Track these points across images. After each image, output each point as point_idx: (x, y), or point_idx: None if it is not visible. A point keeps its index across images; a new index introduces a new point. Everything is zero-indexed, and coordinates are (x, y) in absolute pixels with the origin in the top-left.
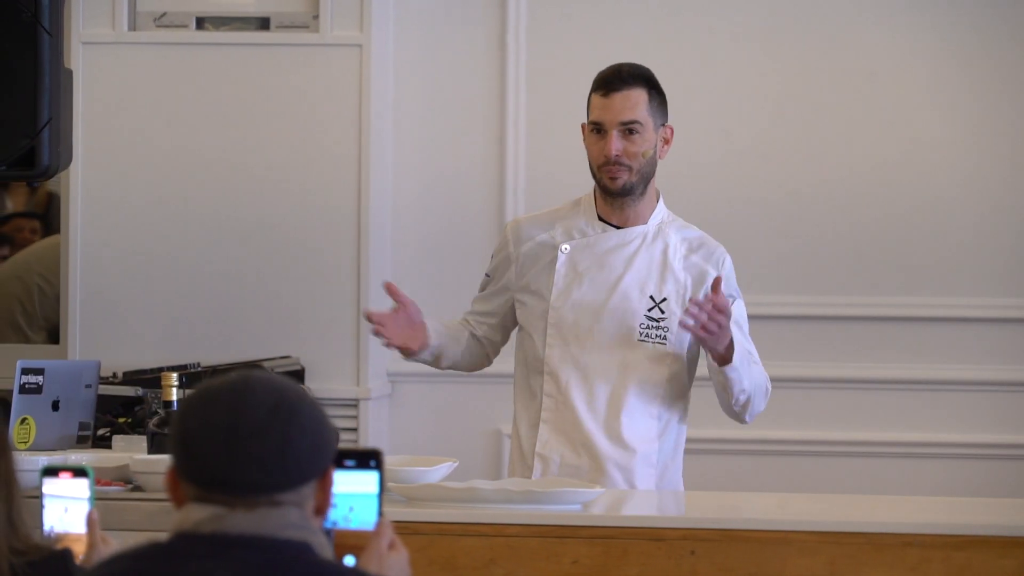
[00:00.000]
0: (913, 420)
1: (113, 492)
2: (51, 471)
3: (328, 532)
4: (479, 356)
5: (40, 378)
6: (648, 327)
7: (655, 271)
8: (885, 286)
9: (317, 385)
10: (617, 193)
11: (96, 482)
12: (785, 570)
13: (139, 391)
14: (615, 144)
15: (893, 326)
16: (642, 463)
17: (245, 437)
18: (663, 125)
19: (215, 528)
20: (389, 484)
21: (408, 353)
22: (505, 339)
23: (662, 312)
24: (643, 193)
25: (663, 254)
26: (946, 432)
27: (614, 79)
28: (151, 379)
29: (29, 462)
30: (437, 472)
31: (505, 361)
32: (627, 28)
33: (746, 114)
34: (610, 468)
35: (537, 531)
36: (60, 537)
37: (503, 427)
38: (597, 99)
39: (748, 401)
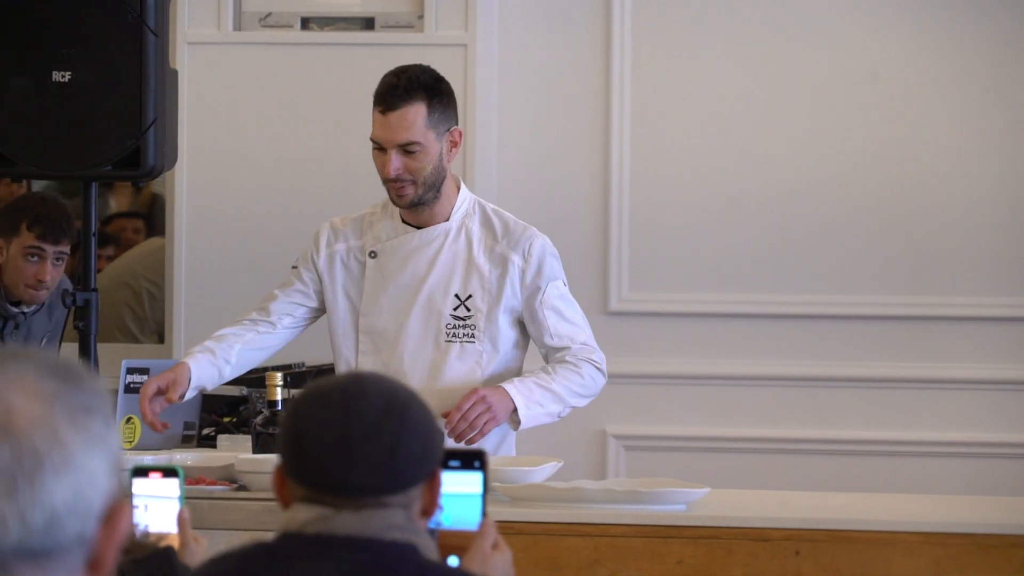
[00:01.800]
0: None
1: (218, 492)
2: (141, 471)
3: (432, 533)
4: (261, 352)
5: (145, 377)
6: (455, 326)
7: (459, 268)
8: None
9: None
10: (407, 207)
11: (201, 482)
12: (891, 571)
13: (244, 390)
14: (394, 163)
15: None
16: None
17: (357, 440)
18: (448, 131)
19: (320, 529)
20: (493, 484)
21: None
22: (291, 339)
23: (468, 310)
24: (437, 197)
25: (467, 249)
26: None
27: (390, 95)
28: (256, 379)
29: (133, 461)
30: (542, 472)
31: (616, 362)
32: (732, 23)
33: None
34: None
35: (642, 531)
36: (158, 536)
37: (608, 427)
38: (377, 115)
39: (571, 409)
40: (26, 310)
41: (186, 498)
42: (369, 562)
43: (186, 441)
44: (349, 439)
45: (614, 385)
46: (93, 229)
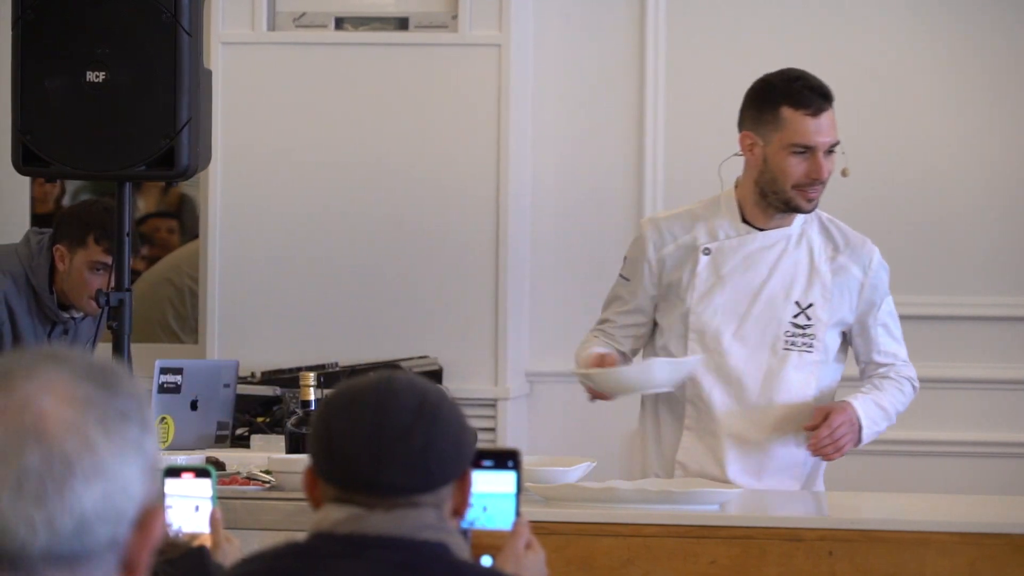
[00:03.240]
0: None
1: (251, 491)
2: (173, 472)
3: (465, 532)
4: None
5: (179, 377)
6: (794, 335)
7: (801, 275)
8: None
9: (455, 385)
10: (808, 212)
11: (234, 482)
12: (924, 571)
13: (277, 391)
14: (827, 165)
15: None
16: (784, 480)
17: (389, 440)
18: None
19: (353, 529)
20: (527, 484)
21: None
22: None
23: (808, 319)
24: None
25: (809, 257)
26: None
27: (818, 98)
28: (289, 379)
29: (167, 461)
30: (575, 472)
31: None
32: (765, 23)
33: None
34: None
35: (675, 531)
36: (191, 536)
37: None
38: (801, 117)
39: (895, 421)
40: (76, 315)
41: (219, 498)
42: (402, 562)
43: (219, 441)
44: (381, 438)
45: None
46: (127, 229)
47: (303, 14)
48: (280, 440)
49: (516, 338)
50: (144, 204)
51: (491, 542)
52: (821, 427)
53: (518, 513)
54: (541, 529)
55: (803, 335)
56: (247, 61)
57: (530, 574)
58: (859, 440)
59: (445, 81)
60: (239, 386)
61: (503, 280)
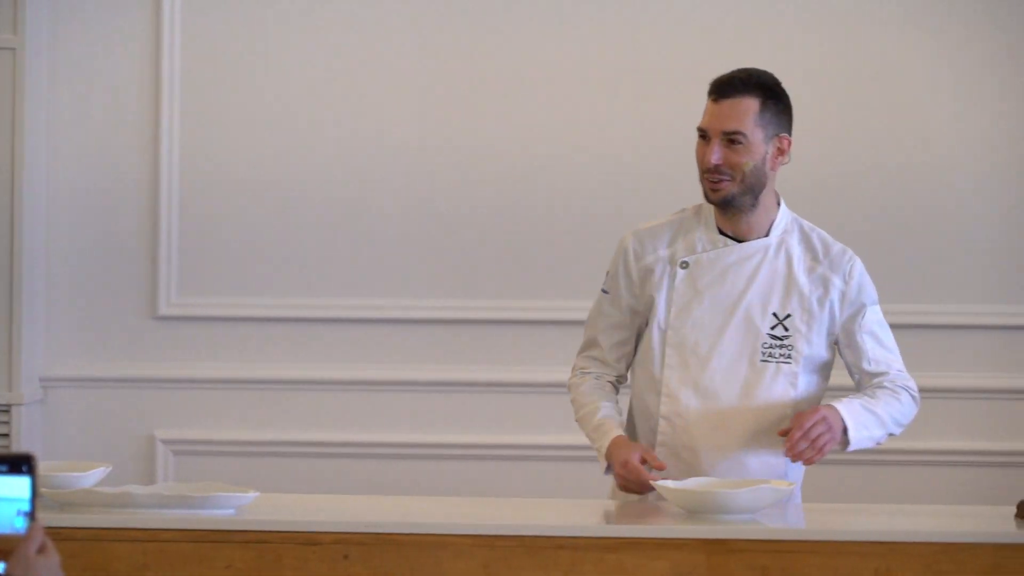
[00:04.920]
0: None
1: None
2: None
3: None
4: None
5: None
6: (771, 346)
7: (778, 286)
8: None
9: None
10: (718, 204)
11: None
12: (441, 573)
13: None
14: (716, 152)
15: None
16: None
17: None
18: (777, 135)
19: None
20: (42, 489)
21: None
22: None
23: (786, 330)
24: (754, 205)
25: (787, 267)
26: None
27: (726, 84)
28: None
29: None
30: (90, 477)
31: (164, 366)
32: (288, 28)
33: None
34: None
35: (191, 536)
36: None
37: (157, 432)
38: (708, 104)
39: (888, 436)
40: None
41: None
42: None
43: None
44: None
45: (162, 390)
46: None
47: None
48: None
49: (30, 342)
50: None
51: (4, 547)
52: (793, 429)
53: (32, 518)
54: (56, 535)
55: (781, 346)
56: None
57: None
58: (846, 442)
59: None
60: None
61: (17, 284)
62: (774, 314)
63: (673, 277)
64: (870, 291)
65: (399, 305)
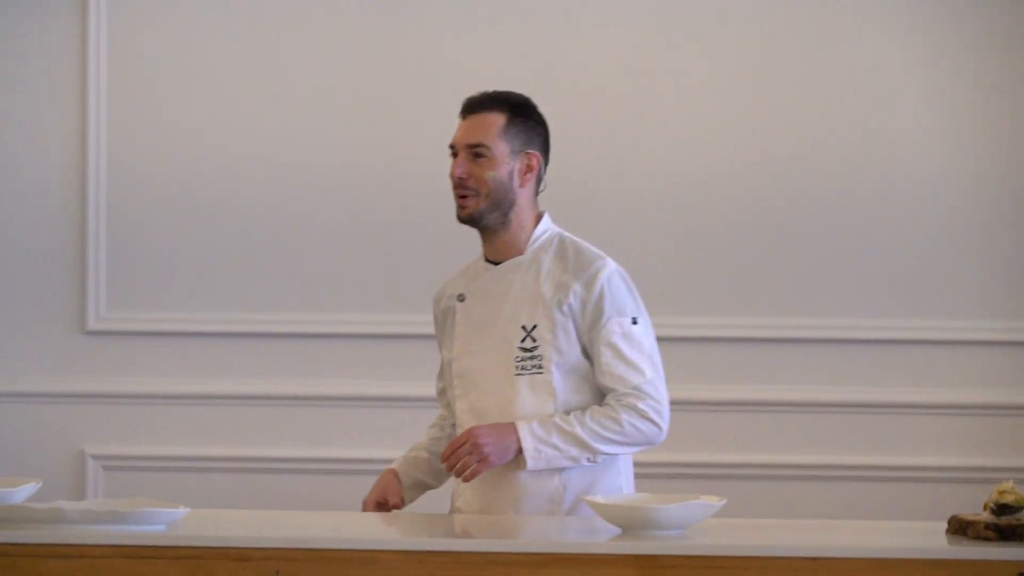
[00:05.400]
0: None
1: None
2: None
3: None
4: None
5: None
6: (523, 359)
7: (526, 299)
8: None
9: None
10: (465, 221)
11: None
12: None
13: None
14: (461, 166)
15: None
16: (541, 504)
17: None
18: (524, 152)
19: None
20: None
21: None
22: None
23: (534, 340)
24: (504, 223)
25: (535, 279)
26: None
27: (475, 101)
28: None
29: None
30: (20, 493)
31: (94, 381)
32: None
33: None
34: (512, 510)
35: (121, 552)
36: None
37: (87, 447)
38: (459, 121)
39: (607, 452)
40: None
41: None
42: None
43: None
44: None
45: (92, 405)
46: None
47: None
48: None
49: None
50: None
51: None
52: (445, 449)
53: None
54: None
55: (531, 357)
56: None
57: None
58: (505, 460)
59: None
60: None
61: None
62: (523, 327)
63: (455, 312)
64: (618, 302)
65: (326, 320)
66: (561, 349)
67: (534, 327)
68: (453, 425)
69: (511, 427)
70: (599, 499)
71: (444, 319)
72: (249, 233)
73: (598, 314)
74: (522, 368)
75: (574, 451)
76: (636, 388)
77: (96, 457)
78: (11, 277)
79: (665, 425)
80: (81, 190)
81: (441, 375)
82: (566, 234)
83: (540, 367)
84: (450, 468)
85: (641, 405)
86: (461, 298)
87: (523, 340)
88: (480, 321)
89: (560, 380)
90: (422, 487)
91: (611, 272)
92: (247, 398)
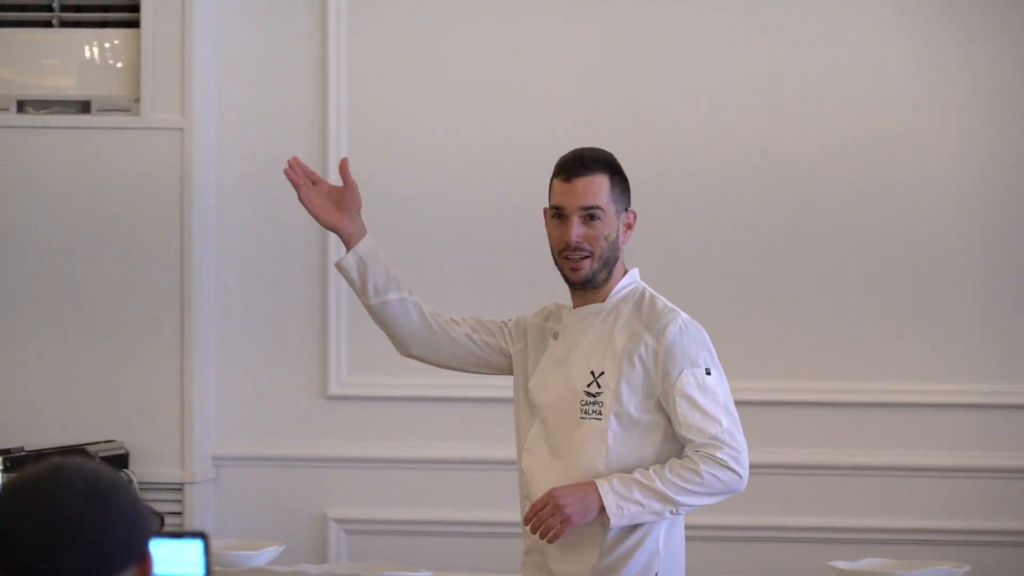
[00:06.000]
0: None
1: None
2: None
3: None
4: (442, 341)
5: None
6: (587, 403)
7: (598, 345)
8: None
9: (142, 469)
10: (579, 284)
11: None
12: None
13: None
14: (576, 229)
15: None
16: (584, 551)
17: (61, 527)
18: (625, 210)
19: None
20: (215, 568)
21: (341, 236)
22: (474, 364)
23: (599, 387)
24: (607, 279)
25: (611, 327)
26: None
27: (576, 163)
28: None
29: None
30: (263, 556)
31: (335, 446)
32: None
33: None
34: (552, 551)
35: None
36: None
37: (328, 511)
38: (558, 184)
39: (690, 504)
40: None
41: None
42: None
43: None
44: (54, 527)
45: (333, 469)
46: None
47: None
48: None
49: (203, 422)
50: None
51: None
52: (528, 514)
53: None
54: None
55: (593, 403)
56: None
57: None
58: (588, 519)
59: (128, 163)
60: None
61: (189, 364)
62: (591, 371)
63: (547, 345)
64: (691, 353)
65: None
66: (621, 399)
67: (602, 373)
68: (466, 334)
69: (591, 486)
70: (841, 564)
71: (531, 338)
72: (489, 293)
73: (671, 366)
74: (585, 412)
75: (656, 505)
76: (713, 438)
77: (338, 520)
78: (255, 344)
79: (745, 473)
80: (322, 258)
81: (488, 326)
82: (649, 289)
83: (599, 414)
84: (534, 530)
85: (719, 455)
86: (556, 335)
87: (589, 384)
88: (557, 360)
89: (615, 430)
90: (367, 261)
91: (683, 324)
92: (487, 463)
